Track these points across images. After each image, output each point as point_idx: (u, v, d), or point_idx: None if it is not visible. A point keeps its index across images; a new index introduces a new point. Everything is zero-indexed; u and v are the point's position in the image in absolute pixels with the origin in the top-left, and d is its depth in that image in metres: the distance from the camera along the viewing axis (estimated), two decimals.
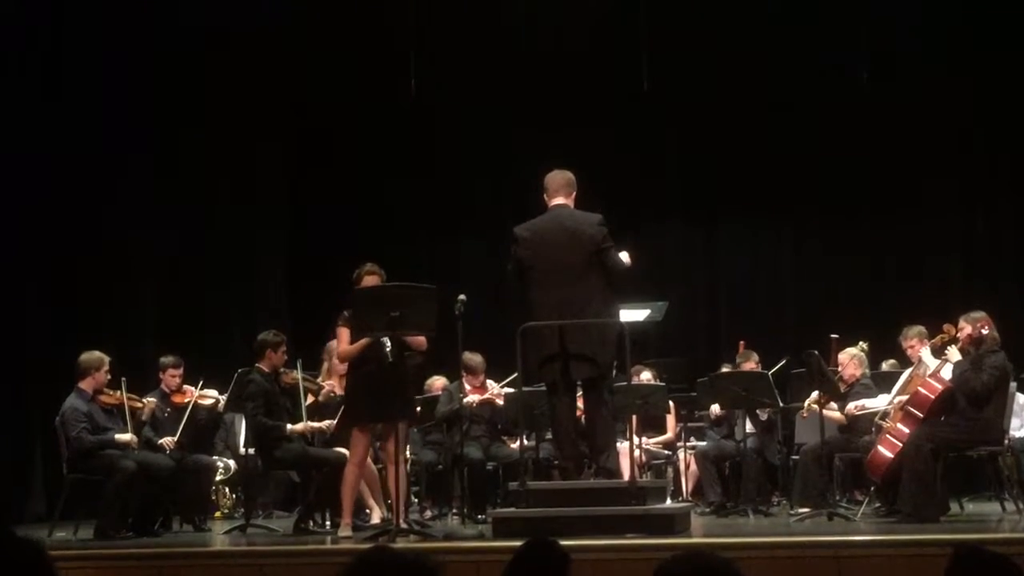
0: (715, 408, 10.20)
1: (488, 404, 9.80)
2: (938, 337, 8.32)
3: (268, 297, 12.77)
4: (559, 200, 7.35)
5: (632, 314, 8.13)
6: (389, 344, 7.49)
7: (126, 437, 8.56)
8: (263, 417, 8.58)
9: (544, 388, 9.13)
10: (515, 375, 8.78)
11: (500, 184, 12.67)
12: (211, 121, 12.28)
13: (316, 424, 8.91)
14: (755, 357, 10.20)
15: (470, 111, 12.77)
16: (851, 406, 9.01)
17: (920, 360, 8.48)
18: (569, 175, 7.44)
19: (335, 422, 8.76)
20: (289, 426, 8.65)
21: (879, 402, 8.87)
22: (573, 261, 7.13)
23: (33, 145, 11.21)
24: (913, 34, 12.48)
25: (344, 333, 7.72)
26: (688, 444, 10.41)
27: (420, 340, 7.66)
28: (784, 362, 10.00)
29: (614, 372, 7.42)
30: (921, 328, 8.79)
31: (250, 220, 12.74)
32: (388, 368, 7.48)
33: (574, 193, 7.43)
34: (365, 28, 12.57)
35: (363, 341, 7.57)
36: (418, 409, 9.78)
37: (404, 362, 7.63)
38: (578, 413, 7.67)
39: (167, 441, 9.10)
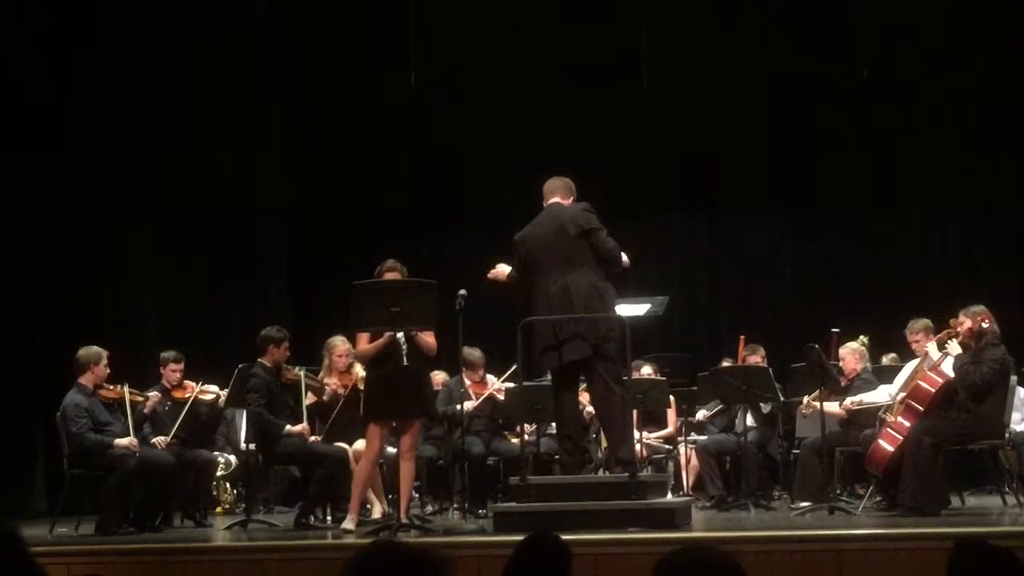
0: (702, 413, 10.25)
1: (488, 400, 9.80)
2: (944, 332, 8.29)
3: (269, 294, 12.75)
4: (554, 199, 7.51)
5: (633, 309, 8.16)
6: (405, 346, 7.47)
7: (125, 442, 8.53)
8: (264, 411, 8.58)
9: (545, 383, 9.13)
10: (514, 368, 8.79)
11: (500, 180, 12.66)
12: (211, 119, 12.27)
13: (312, 437, 8.85)
14: (762, 351, 10.20)
15: (470, 106, 12.75)
16: (848, 401, 9.00)
17: (927, 354, 8.41)
18: (567, 180, 7.61)
19: (323, 434, 8.78)
20: (288, 427, 8.64)
21: (878, 396, 8.86)
22: (563, 249, 7.28)
23: (35, 144, 11.22)
24: (913, 32, 12.46)
25: (363, 333, 7.74)
26: (689, 438, 10.41)
27: (431, 344, 7.69)
28: (776, 365, 9.98)
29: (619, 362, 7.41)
30: (927, 322, 8.74)
31: (251, 217, 12.74)
32: (404, 367, 7.50)
33: (572, 198, 7.55)
34: (365, 26, 12.55)
35: (380, 341, 7.59)
36: None
37: (421, 361, 7.66)
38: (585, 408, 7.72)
39: (159, 440, 9.07)
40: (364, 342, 7.75)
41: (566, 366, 7.30)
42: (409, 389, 7.52)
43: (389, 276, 7.66)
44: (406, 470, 7.62)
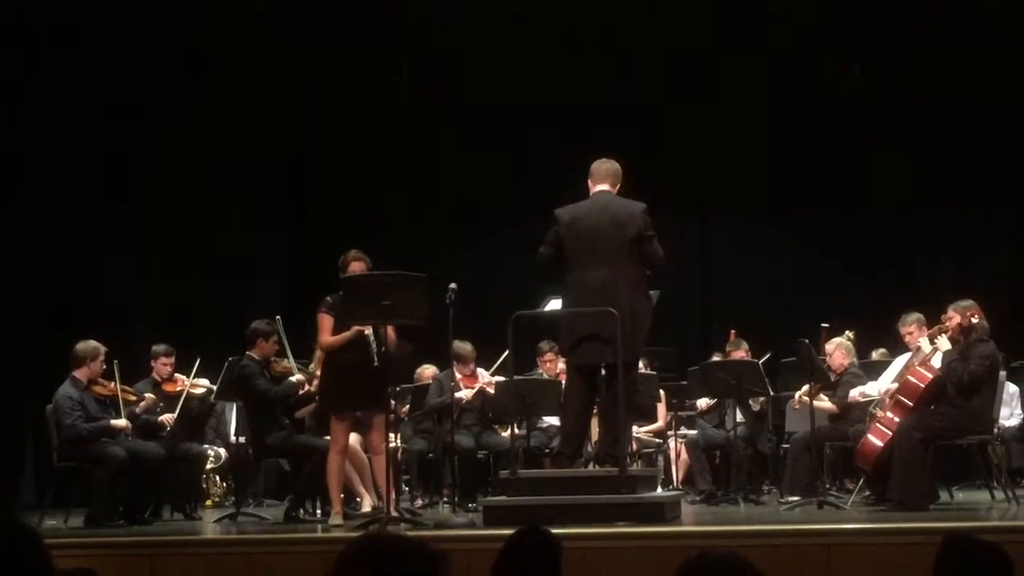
0: (701, 402, 10.26)
1: (479, 393, 9.80)
2: (936, 327, 8.29)
3: (256, 288, 12.73)
4: (603, 187, 7.35)
5: None
6: (374, 344, 7.43)
7: (121, 423, 8.57)
8: (271, 387, 8.55)
9: (535, 376, 9.07)
10: (503, 358, 8.79)
11: (494, 177, 12.66)
12: (210, 119, 12.26)
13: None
14: (745, 345, 10.21)
15: (465, 106, 12.76)
16: (854, 392, 8.98)
17: (919, 348, 8.42)
18: (616, 166, 7.45)
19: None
20: (293, 379, 8.62)
21: (876, 387, 8.86)
22: (609, 246, 7.10)
23: (35, 142, 11.20)
24: (912, 33, 12.47)
25: (325, 320, 7.69)
26: (679, 433, 10.43)
27: (391, 338, 7.62)
28: (769, 355, 10.00)
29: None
30: (920, 315, 8.75)
31: (248, 216, 12.75)
32: (367, 360, 7.48)
33: (619, 185, 7.43)
34: (363, 26, 12.54)
35: (348, 334, 7.57)
36: (408, 398, 9.80)
37: (386, 355, 7.60)
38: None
39: (167, 418, 9.12)
40: (327, 330, 7.69)
41: (602, 366, 7.18)
42: (365, 381, 7.44)
43: (355, 266, 7.62)
44: (380, 465, 7.60)
